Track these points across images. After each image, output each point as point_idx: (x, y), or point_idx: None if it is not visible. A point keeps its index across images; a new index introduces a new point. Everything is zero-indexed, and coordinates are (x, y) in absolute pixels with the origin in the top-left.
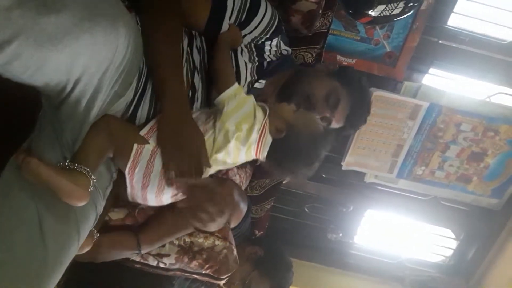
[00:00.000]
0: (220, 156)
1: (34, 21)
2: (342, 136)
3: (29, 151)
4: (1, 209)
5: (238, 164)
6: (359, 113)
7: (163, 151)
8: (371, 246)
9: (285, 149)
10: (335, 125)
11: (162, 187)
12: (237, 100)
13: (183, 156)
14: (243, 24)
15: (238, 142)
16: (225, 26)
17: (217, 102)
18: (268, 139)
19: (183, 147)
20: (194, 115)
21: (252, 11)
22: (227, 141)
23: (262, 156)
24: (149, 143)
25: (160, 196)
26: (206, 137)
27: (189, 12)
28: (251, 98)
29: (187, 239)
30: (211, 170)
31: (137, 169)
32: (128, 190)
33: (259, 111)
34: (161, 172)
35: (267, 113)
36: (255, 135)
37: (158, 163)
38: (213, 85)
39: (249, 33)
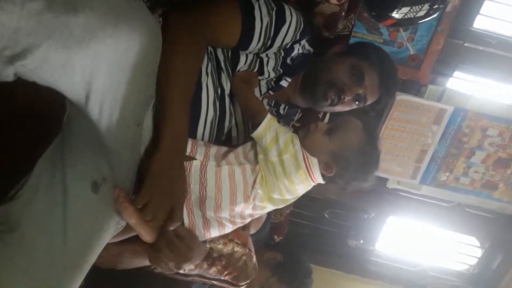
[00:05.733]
0: (276, 195)
1: (63, 24)
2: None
3: (128, 195)
4: (27, 213)
5: (298, 197)
6: (389, 75)
7: (145, 188)
8: (392, 253)
9: (341, 173)
10: (370, 99)
11: (219, 201)
12: (271, 131)
13: (165, 201)
14: (273, 38)
15: (289, 174)
16: (253, 44)
17: (254, 137)
18: (314, 161)
19: (168, 192)
20: (231, 152)
21: (280, 21)
22: (279, 175)
23: (319, 179)
24: (195, 159)
25: (219, 212)
26: (250, 171)
27: (220, 35)
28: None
29: (207, 245)
30: (268, 208)
31: (191, 185)
32: (186, 219)
33: (295, 138)
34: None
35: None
36: (301, 163)
37: (211, 175)
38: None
39: (282, 41)
